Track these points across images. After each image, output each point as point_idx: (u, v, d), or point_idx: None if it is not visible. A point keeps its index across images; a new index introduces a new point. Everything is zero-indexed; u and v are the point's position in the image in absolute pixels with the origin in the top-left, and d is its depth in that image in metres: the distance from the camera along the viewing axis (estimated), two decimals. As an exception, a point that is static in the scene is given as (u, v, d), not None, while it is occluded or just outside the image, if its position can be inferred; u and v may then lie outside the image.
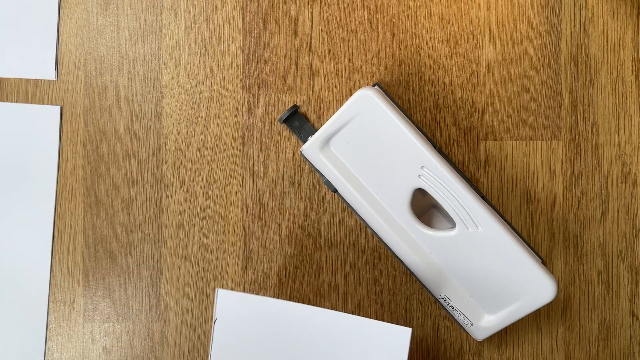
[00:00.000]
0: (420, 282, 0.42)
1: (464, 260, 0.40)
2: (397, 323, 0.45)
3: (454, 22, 0.45)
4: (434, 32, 0.45)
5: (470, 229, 0.40)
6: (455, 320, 0.42)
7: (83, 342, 0.45)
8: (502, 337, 0.45)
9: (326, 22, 0.45)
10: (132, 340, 0.45)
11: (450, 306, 0.41)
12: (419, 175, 0.40)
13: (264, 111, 0.45)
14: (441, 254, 0.40)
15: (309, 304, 0.44)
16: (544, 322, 0.45)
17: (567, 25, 0.45)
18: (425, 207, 0.42)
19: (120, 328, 0.45)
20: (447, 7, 0.45)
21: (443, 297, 0.41)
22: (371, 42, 0.45)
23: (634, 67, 0.45)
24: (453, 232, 0.40)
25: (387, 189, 0.41)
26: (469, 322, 0.41)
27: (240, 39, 0.45)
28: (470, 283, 0.41)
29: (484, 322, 0.41)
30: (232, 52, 0.45)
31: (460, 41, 0.45)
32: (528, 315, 0.42)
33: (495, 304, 0.41)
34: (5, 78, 0.45)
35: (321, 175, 0.42)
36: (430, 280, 0.41)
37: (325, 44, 0.45)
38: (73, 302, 0.45)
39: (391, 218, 0.41)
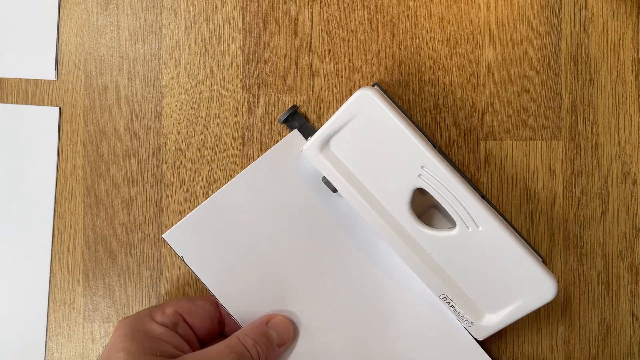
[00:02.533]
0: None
1: (464, 260, 0.40)
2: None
3: (454, 22, 0.45)
4: (434, 32, 0.45)
5: (470, 229, 0.40)
6: (456, 319, 0.42)
7: (83, 342, 0.45)
8: (502, 337, 0.45)
9: (326, 22, 0.45)
10: (132, 341, 0.45)
11: (451, 305, 0.41)
12: (418, 175, 0.40)
13: (264, 111, 0.45)
14: (441, 254, 0.40)
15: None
16: (544, 322, 0.45)
17: (567, 25, 0.45)
18: (425, 207, 0.42)
19: (120, 328, 0.45)
20: (447, 7, 0.45)
21: (444, 296, 0.41)
22: (371, 42, 0.45)
23: (634, 67, 0.45)
24: (453, 232, 0.40)
25: (387, 188, 0.41)
26: (470, 322, 0.41)
27: (240, 39, 0.45)
28: (470, 282, 0.41)
29: (484, 321, 0.41)
30: (232, 52, 0.45)
31: (460, 41, 0.45)
32: (528, 316, 0.42)
33: (496, 303, 0.41)
34: (5, 78, 0.45)
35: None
36: (430, 279, 0.41)
37: (325, 44, 0.45)
38: (73, 302, 0.45)
39: (391, 218, 0.41)
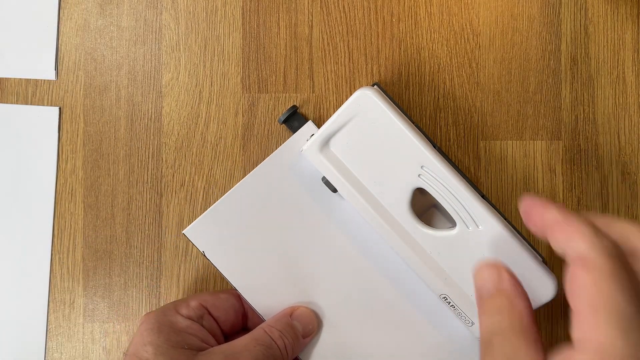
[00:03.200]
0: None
1: (464, 259, 0.40)
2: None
3: (454, 22, 0.45)
4: (434, 32, 0.45)
5: (470, 228, 0.40)
6: (457, 319, 0.42)
7: (83, 342, 0.45)
8: (502, 337, 0.45)
9: (326, 22, 0.45)
10: (132, 341, 0.45)
11: (452, 305, 0.41)
12: (418, 175, 0.40)
13: (264, 111, 0.45)
14: (442, 253, 0.40)
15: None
16: (544, 322, 0.45)
17: (567, 25, 0.45)
18: (425, 207, 0.42)
19: (120, 328, 0.45)
20: (447, 7, 0.45)
21: (444, 296, 0.41)
22: (371, 42, 0.45)
23: (634, 67, 0.45)
24: (453, 232, 0.40)
25: (387, 188, 0.41)
26: (470, 322, 0.41)
27: (240, 39, 0.45)
28: (471, 282, 0.41)
29: (484, 321, 0.41)
30: (232, 52, 0.45)
31: (460, 41, 0.45)
32: (528, 315, 0.42)
33: (495, 303, 0.41)
34: (5, 78, 0.45)
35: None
36: (430, 279, 0.41)
37: (325, 44, 0.45)
38: (73, 302, 0.45)
39: (391, 218, 0.41)
